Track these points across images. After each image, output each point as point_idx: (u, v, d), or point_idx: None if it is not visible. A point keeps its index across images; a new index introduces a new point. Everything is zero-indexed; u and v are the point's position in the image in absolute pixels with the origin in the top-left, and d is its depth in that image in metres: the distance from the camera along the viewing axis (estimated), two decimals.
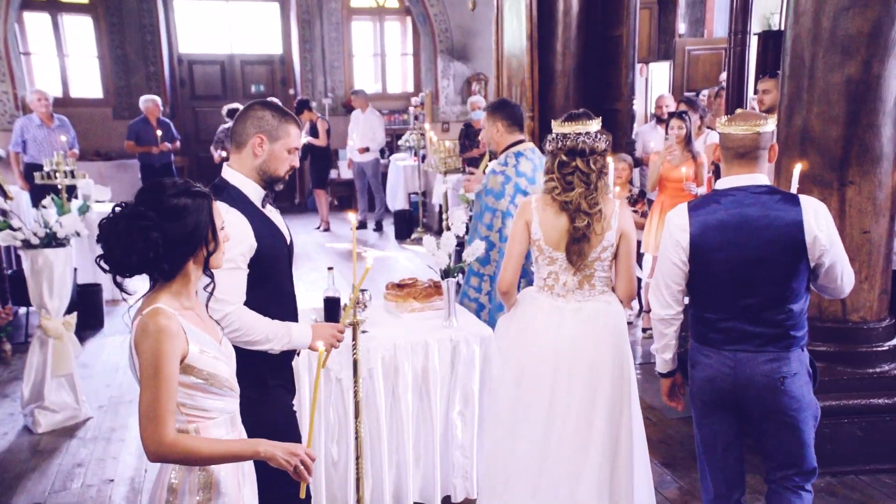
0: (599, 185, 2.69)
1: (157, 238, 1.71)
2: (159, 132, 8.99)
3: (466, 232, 3.75)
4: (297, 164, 2.42)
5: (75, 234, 4.24)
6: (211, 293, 1.91)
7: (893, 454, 3.57)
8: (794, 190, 2.59)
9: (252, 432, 1.96)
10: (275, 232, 2.36)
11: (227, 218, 2.07)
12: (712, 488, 2.61)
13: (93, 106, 10.88)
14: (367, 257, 2.35)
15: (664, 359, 2.64)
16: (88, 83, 11.00)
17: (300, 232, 9.98)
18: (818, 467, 2.62)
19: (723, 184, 2.48)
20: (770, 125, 2.44)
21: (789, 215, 2.35)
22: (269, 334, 2.25)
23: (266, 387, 2.35)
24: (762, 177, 2.44)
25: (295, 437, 2.40)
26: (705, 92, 8.13)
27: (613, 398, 2.76)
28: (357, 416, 2.87)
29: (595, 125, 2.74)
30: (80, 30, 10.85)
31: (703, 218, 2.43)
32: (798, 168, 2.77)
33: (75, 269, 5.04)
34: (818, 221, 2.35)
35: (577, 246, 2.69)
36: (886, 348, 3.65)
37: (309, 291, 6.84)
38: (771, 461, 2.55)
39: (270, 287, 2.33)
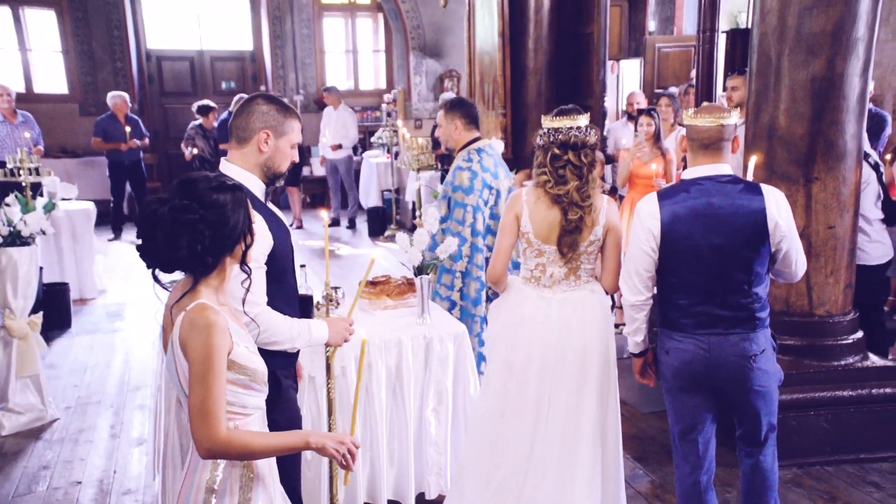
0: (590, 179, 2.75)
1: (204, 232, 1.69)
2: (128, 128, 8.86)
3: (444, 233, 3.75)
4: (297, 158, 2.38)
5: (41, 233, 4.16)
6: (248, 289, 1.87)
7: (857, 445, 3.65)
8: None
9: (272, 430, 1.94)
10: (284, 228, 2.33)
11: None
12: (688, 469, 2.70)
13: (58, 102, 10.68)
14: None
15: (636, 341, 2.74)
16: (53, 78, 10.78)
17: None
18: (786, 460, 2.87)
19: (689, 174, 2.57)
20: (734, 118, 2.54)
21: (753, 203, 2.46)
22: (292, 333, 2.23)
23: (280, 386, 2.30)
24: (726, 167, 2.54)
25: None
26: (674, 89, 8.21)
27: (602, 382, 2.83)
28: (330, 414, 2.86)
29: (584, 120, 2.80)
30: (44, 24, 10.62)
31: (673, 207, 2.51)
32: (753, 160, 2.85)
33: (41, 268, 4.95)
34: (779, 209, 2.48)
35: (569, 238, 2.75)
36: (851, 341, 3.72)
37: None
38: (743, 427, 2.67)
39: (283, 284, 2.30)
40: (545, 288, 2.85)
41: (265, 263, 2.20)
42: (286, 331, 2.22)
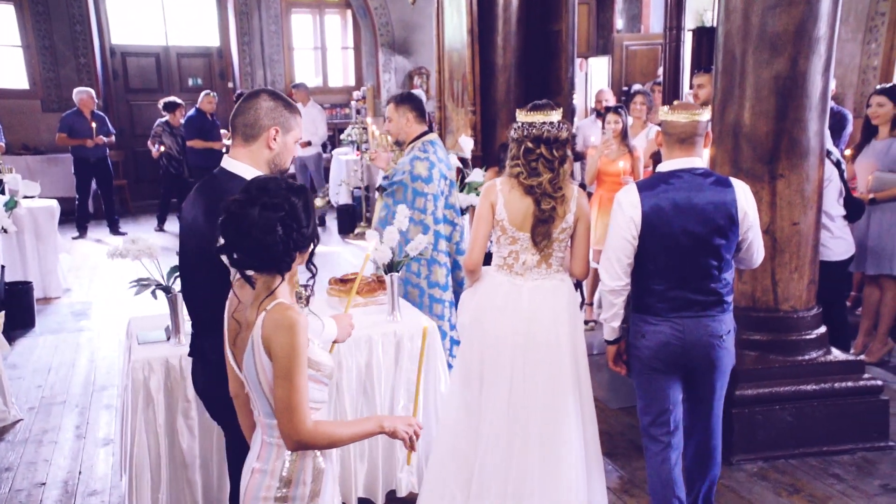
0: (562, 171, 2.84)
1: (291, 232, 1.75)
2: (94, 125, 8.71)
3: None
4: (297, 153, 2.36)
5: (2, 231, 4.07)
6: (312, 286, 1.91)
7: (820, 438, 3.72)
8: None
9: None
10: None
11: (203, 208, 2.09)
12: (659, 448, 2.84)
13: (19, 97, 10.44)
14: (367, 243, 2.27)
15: (612, 327, 2.84)
16: (13, 74, 10.54)
17: None
18: (751, 454, 3.40)
19: (666, 166, 2.71)
20: (706, 115, 2.70)
21: (726, 195, 2.64)
22: (315, 329, 2.20)
23: None
24: (699, 160, 2.70)
25: None
26: (638, 86, 8.28)
27: (575, 367, 2.91)
28: None
29: (557, 115, 2.88)
30: (2, 18, 10.37)
31: (654, 197, 2.64)
32: (707, 153, 2.99)
33: (3, 267, 4.84)
34: (747, 201, 2.67)
35: (542, 227, 2.82)
36: (814, 336, 3.79)
37: None
38: (701, 403, 2.83)
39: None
40: (517, 275, 2.90)
41: None
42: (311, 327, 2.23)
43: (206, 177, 2.31)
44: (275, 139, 2.23)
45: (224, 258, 1.79)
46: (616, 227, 2.70)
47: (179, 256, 2.38)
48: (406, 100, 3.97)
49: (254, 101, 2.23)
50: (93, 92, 9.04)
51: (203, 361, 2.27)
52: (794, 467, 3.62)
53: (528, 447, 2.85)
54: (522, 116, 2.89)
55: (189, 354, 2.40)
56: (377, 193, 4.03)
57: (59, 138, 8.83)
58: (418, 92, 9.48)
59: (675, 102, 2.84)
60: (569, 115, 6.67)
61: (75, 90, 9.02)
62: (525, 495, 2.84)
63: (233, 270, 1.85)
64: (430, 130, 4.03)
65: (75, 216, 9.30)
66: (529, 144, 2.81)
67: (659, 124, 2.95)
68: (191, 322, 2.36)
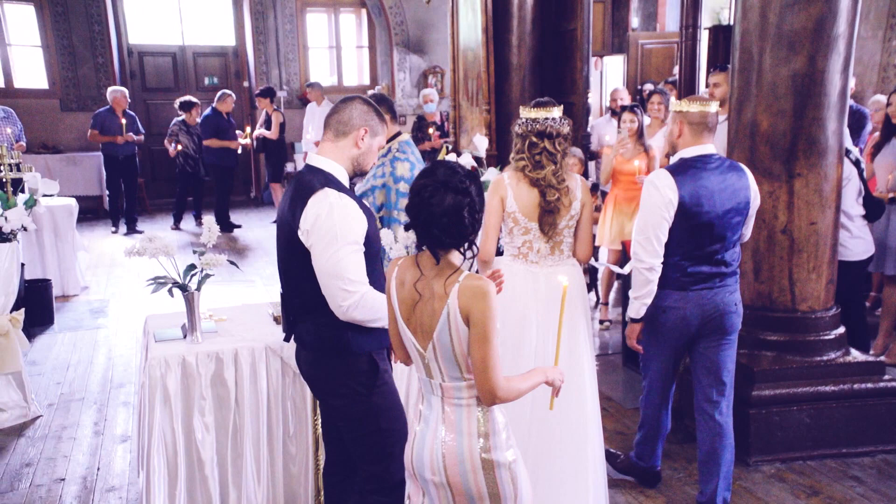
0: (563, 164, 3.00)
1: (474, 214, 1.96)
2: (124, 121, 8.89)
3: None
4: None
5: (22, 229, 4.11)
6: (473, 257, 2.03)
7: (839, 439, 3.69)
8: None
9: (381, 407, 2.33)
10: (371, 214, 2.44)
11: (343, 202, 2.24)
12: (658, 401, 3.28)
13: (38, 97, 10.56)
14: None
15: (644, 303, 3.03)
16: (33, 74, 10.66)
17: (256, 226, 9.86)
18: (769, 455, 3.54)
19: (690, 152, 2.96)
20: (715, 106, 3.00)
21: (742, 179, 2.97)
22: (386, 311, 2.31)
23: (378, 369, 2.40)
24: (713, 147, 2.99)
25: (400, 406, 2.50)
26: (649, 85, 8.25)
27: (589, 348, 3.08)
28: (315, 411, 2.86)
29: (558, 111, 3.03)
30: (23, 19, 10.49)
31: (688, 182, 2.89)
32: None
33: (23, 265, 4.89)
34: (754, 183, 3.04)
35: (549, 217, 2.96)
36: (833, 337, 3.76)
37: (266, 286, 6.77)
38: (710, 376, 3.10)
39: (375, 266, 2.40)
40: (533, 263, 3.03)
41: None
42: (384, 309, 2.30)
43: (297, 173, 2.45)
44: (363, 139, 2.39)
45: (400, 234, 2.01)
46: (653, 206, 2.90)
47: (277, 249, 2.48)
48: (380, 101, 3.97)
49: (350, 102, 2.41)
50: (126, 91, 9.21)
51: (303, 345, 2.41)
52: (813, 469, 3.59)
53: (550, 427, 2.93)
54: (526, 112, 3.05)
55: (286, 339, 2.51)
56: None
57: (90, 135, 9.05)
58: (432, 91, 9.49)
59: (692, 95, 3.00)
60: (583, 114, 6.65)
61: (109, 89, 9.24)
62: (550, 478, 2.94)
63: (393, 248, 2.04)
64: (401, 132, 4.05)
65: (108, 212, 9.52)
66: (534, 139, 2.96)
67: (675, 114, 3.06)
68: (286, 310, 2.46)
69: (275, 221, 10.39)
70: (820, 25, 3.46)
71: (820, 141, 3.58)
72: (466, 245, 1.97)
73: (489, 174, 5.21)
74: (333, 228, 2.21)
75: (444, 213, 1.91)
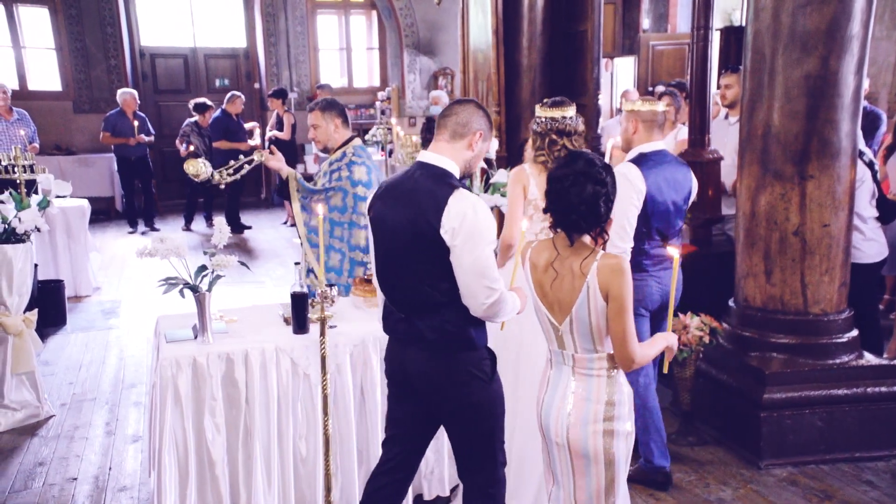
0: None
1: (609, 203, 2.17)
2: (136, 123, 8.99)
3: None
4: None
5: (35, 230, 4.14)
6: (604, 243, 2.22)
7: (852, 443, 3.66)
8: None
9: (498, 395, 2.43)
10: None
11: (481, 202, 2.30)
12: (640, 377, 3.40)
13: (52, 99, 10.64)
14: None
15: None
16: (47, 76, 10.74)
17: (267, 227, 9.89)
18: (780, 458, 3.56)
19: (648, 147, 3.29)
20: (663, 105, 3.37)
21: (687, 174, 3.39)
22: (515, 305, 2.40)
23: (494, 360, 2.48)
24: (664, 143, 3.39)
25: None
26: (661, 87, 8.20)
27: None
28: (326, 412, 2.86)
29: (572, 110, 3.25)
30: (37, 21, 10.57)
31: (651, 174, 3.22)
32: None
33: (36, 266, 4.93)
34: (694, 178, 3.42)
35: None
36: (846, 340, 3.73)
37: (276, 287, 6.79)
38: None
39: None
40: None
41: None
42: (515, 304, 2.41)
43: (405, 172, 2.46)
44: (476, 142, 2.43)
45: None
46: (626, 197, 3.11)
47: (381, 251, 2.47)
48: (331, 106, 3.96)
49: (465, 106, 2.44)
50: (135, 93, 9.30)
51: (420, 342, 2.39)
52: (826, 473, 3.56)
53: None
54: (543, 111, 3.24)
55: (396, 339, 2.49)
56: (299, 202, 3.94)
57: (103, 137, 9.16)
58: (441, 93, 9.50)
59: (645, 96, 3.44)
60: (594, 115, 6.62)
61: (119, 91, 9.34)
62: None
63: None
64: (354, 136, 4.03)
65: (123, 213, 9.60)
66: (554, 137, 3.19)
67: (628, 114, 3.44)
68: (393, 308, 2.47)
69: (288, 223, 10.41)
70: (834, 26, 3.44)
71: (833, 142, 3.56)
72: (599, 230, 2.17)
73: (499, 176, 5.20)
74: (479, 227, 2.25)
75: (582, 202, 2.13)
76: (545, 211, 2.23)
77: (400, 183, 2.41)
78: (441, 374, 2.37)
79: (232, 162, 3.91)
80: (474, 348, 2.39)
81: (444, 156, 2.40)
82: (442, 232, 2.24)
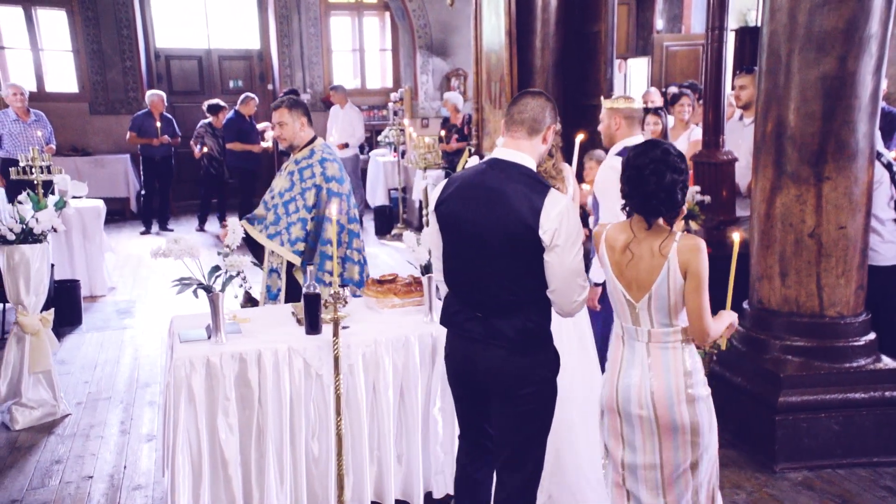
0: (557, 156, 3.43)
1: (685, 190, 2.31)
2: (159, 124, 9.13)
3: None
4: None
5: (52, 230, 4.18)
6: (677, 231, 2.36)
7: (869, 448, 3.62)
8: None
9: (556, 390, 2.50)
10: None
11: (567, 200, 2.34)
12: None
13: (68, 101, 10.73)
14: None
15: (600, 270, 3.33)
16: (64, 78, 10.84)
17: None
18: (796, 462, 3.55)
19: (633, 141, 3.46)
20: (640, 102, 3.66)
21: None
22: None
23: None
24: (643, 136, 3.61)
25: None
26: (673, 89, 8.15)
27: (589, 332, 3.33)
28: (338, 412, 2.87)
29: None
30: (55, 24, 10.68)
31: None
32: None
33: (52, 265, 4.97)
34: None
35: None
36: (863, 343, 3.69)
37: None
38: None
39: None
40: None
41: None
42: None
43: (478, 170, 2.43)
44: (550, 135, 2.46)
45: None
46: (614, 189, 3.32)
47: (457, 251, 2.45)
48: (297, 104, 3.94)
49: (538, 98, 2.44)
50: (162, 94, 9.45)
51: (500, 341, 2.39)
52: (842, 478, 3.52)
53: (565, 408, 2.96)
54: None
55: (468, 338, 2.47)
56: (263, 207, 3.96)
57: (129, 137, 9.34)
58: (455, 94, 9.50)
59: (624, 94, 3.84)
60: None
61: (148, 93, 9.52)
62: (569, 448, 3.13)
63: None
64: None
65: (138, 213, 9.70)
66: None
67: (609, 111, 3.68)
68: (462, 307, 2.47)
69: None
70: (851, 26, 3.41)
71: (850, 144, 3.53)
72: (674, 214, 2.30)
73: None
74: (574, 227, 2.31)
75: (662, 189, 2.25)
76: (623, 197, 2.34)
77: (478, 182, 2.38)
78: (517, 374, 2.39)
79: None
80: (550, 348, 2.46)
81: (524, 152, 2.40)
82: (541, 233, 2.26)
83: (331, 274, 3.81)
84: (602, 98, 3.93)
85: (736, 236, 2.46)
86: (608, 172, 3.48)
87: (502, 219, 2.30)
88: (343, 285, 3.81)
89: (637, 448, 2.40)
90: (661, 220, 2.31)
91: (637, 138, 3.55)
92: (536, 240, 2.26)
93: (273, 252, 3.88)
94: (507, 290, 2.35)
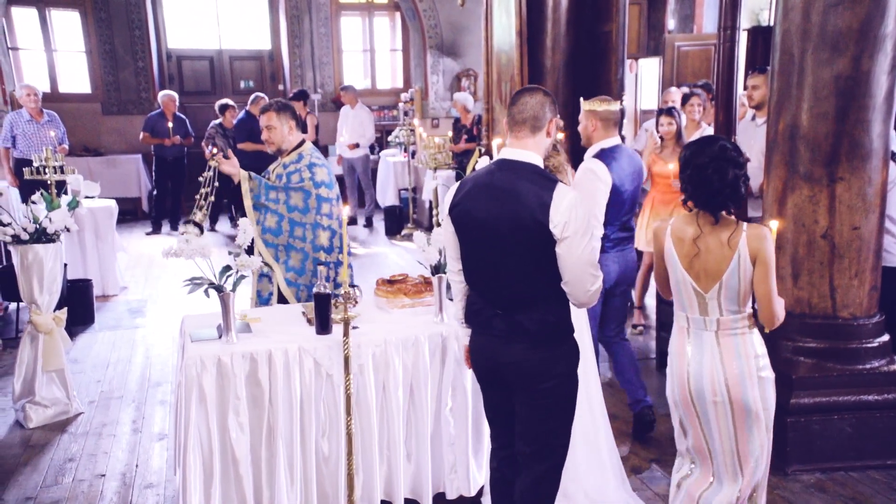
0: (554, 154, 3.47)
1: (746, 183, 2.43)
2: (170, 125, 9.21)
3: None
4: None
5: (65, 230, 4.21)
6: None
7: (883, 450, 3.59)
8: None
9: (577, 383, 2.56)
10: None
11: (575, 193, 2.38)
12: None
13: (81, 101, 10.81)
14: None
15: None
16: (77, 78, 10.92)
17: None
18: (808, 464, 3.58)
19: (608, 143, 3.74)
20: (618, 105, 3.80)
21: (638, 161, 3.92)
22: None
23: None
24: (619, 138, 3.85)
25: None
26: (685, 89, 8.10)
27: (587, 327, 3.40)
28: (348, 412, 2.87)
29: None
30: (68, 25, 10.76)
31: (615, 166, 3.68)
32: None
33: (65, 265, 5.01)
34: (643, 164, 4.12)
35: None
36: (876, 344, 3.66)
37: None
38: (619, 314, 4.09)
39: None
40: None
41: None
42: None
43: (488, 171, 2.48)
44: (552, 128, 2.49)
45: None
46: (596, 189, 3.62)
47: (474, 249, 2.49)
48: (285, 108, 3.90)
49: (534, 95, 2.47)
50: (172, 94, 9.52)
51: (522, 335, 2.44)
52: (856, 480, 3.50)
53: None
54: None
55: (490, 335, 2.52)
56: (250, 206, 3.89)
57: (142, 137, 9.43)
58: (464, 95, 9.49)
59: (601, 96, 3.86)
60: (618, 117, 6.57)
61: (160, 93, 9.54)
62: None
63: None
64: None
65: (151, 213, 9.83)
66: None
67: (587, 113, 3.76)
68: (484, 305, 2.51)
69: None
70: (866, 25, 3.38)
71: (864, 144, 3.50)
72: (739, 206, 2.43)
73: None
74: (584, 218, 2.35)
75: (727, 185, 2.36)
76: (683, 191, 2.47)
77: (489, 182, 2.43)
78: (539, 367, 2.44)
79: (201, 191, 3.76)
80: (570, 340, 2.51)
81: (529, 150, 2.45)
82: (551, 226, 2.30)
83: (326, 279, 3.80)
84: (581, 99, 3.91)
85: (773, 224, 2.56)
86: (585, 174, 3.65)
87: (514, 216, 2.35)
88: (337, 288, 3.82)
89: (714, 435, 2.53)
90: (732, 214, 2.44)
91: (613, 140, 3.73)
92: (548, 233, 2.31)
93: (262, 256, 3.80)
94: (525, 285, 2.41)
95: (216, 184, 3.59)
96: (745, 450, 2.52)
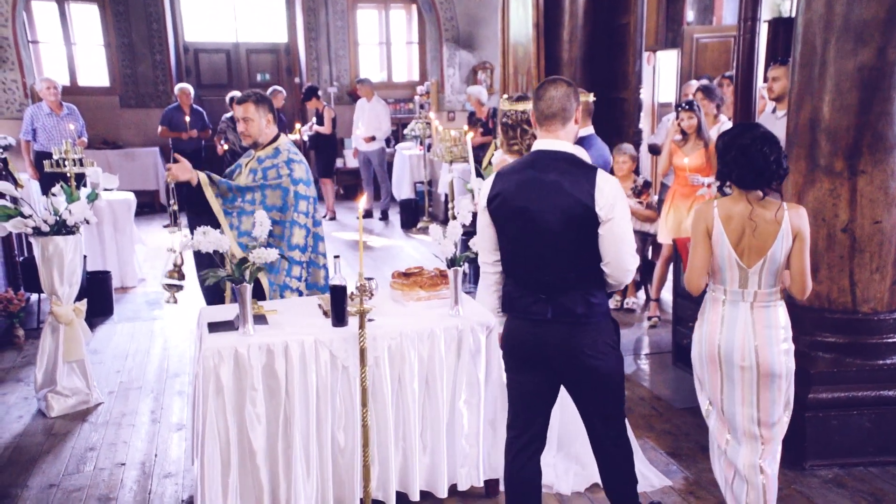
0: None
1: (787, 163, 2.62)
2: (187, 118, 9.30)
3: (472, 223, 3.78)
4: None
5: (84, 222, 4.25)
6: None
7: None
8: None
9: (621, 358, 2.71)
10: None
11: (612, 176, 2.53)
12: None
13: (99, 94, 10.89)
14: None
15: None
16: (95, 71, 11.01)
17: None
18: (826, 459, 3.51)
19: (585, 132, 3.72)
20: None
21: (606, 149, 3.91)
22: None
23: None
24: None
25: None
26: (694, 82, 8.03)
27: None
28: (364, 404, 2.88)
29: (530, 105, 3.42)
30: (87, 18, 10.85)
31: (595, 153, 3.58)
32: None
33: (85, 257, 5.06)
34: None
35: None
36: None
37: None
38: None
39: None
40: None
41: None
42: None
43: (526, 164, 2.59)
44: (579, 116, 2.63)
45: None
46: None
47: (517, 239, 2.58)
48: (263, 100, 3.83)
49: (560, 87, 2.58)
50: (187, 87, 9.60)
51: (566, 317, 2.55)
52: (874, 476, 3.47)
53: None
54: (513, 106, 3.55)
55: (532, 320, 2.60)
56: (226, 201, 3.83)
57: (160, 131, 9.53)
58: (478, 88, 9.46)
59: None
60: (635, 110, 6.52)
61: (176, 86, 9.62)
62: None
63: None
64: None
65: (168, 205, 9.80)
66: (525, 127, 3.51)
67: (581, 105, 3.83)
68: (524, 291, 2.60)
69: (324, 216, 10.49)
70: (892, 15, 3.32)
71: (888, 137, 3.45)
72: (781, 182, 2.62)
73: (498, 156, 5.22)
74: (623, 201, 2.48)
75: (773, 162, 2.55)
76: (728, 170, 2.62)
77: (529, 173, 2.54)
78: (582, 345, 2.55)
79: (170, 210, 3.86)
80: (609, 317, 2.63)
81: (562, 140, 2.59)
82: (598, 209, 2.44)
83: (297, 279, 3.81)
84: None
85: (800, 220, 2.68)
86: None
87: (560, 203, 2.46)
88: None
89: (735, 398, 2.74)
90: (776, 193, 2.61)
91: (588, 129, 3.80)
92: (593, 216, 2.44)
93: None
94: (570, 269, 2.52)
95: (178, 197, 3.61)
96: (765, 416, 2.72)
